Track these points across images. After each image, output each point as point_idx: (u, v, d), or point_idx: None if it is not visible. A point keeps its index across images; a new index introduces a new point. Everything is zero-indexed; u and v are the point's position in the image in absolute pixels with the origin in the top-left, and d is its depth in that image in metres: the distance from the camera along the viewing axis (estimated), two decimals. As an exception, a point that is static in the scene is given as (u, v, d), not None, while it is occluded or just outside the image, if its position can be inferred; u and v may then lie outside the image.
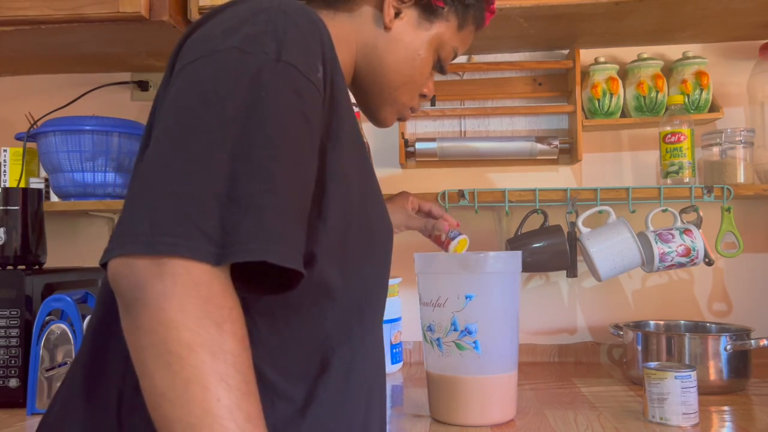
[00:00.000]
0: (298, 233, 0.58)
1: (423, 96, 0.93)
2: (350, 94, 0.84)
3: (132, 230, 0.53)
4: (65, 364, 1.19)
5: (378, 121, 0.92)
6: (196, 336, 0.50)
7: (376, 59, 0.83)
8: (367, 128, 1.64)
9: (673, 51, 1.60)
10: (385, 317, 1.48)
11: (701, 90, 1.52)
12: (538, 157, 1.58)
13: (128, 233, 0.53)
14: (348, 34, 0.82)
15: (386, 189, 1.65)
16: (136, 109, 1.73)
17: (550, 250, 1.44)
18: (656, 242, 1.40)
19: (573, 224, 1.46)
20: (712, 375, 1.26)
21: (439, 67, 0.90)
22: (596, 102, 1.54)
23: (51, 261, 1.41)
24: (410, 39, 0.84)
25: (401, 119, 0.94)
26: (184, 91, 0.59)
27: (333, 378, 0.67)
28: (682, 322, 1.48)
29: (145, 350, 0.51)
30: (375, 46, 0.83)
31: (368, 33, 0.83)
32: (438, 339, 1.09)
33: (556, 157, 1.59)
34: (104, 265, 0.55)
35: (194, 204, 0.53)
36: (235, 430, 0.49)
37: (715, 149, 1.50)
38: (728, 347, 1.25)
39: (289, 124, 0.58)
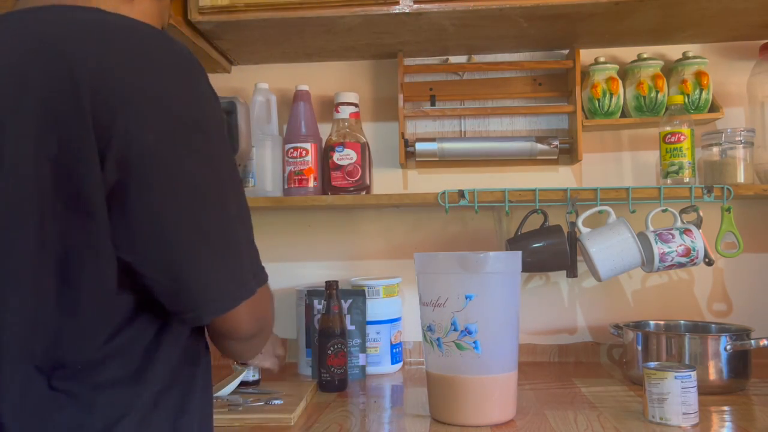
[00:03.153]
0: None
1: None
2: None
3: (243, 279, 0.72)
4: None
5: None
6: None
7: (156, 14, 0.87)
8: (367, 128, 1.64)
9: (673, 51, 1.60)
10: (386, 317, 1.49)
11: (701, 90, 1.52)
12: (538, 157, 1.58)
13: (242, 282, 0.71)
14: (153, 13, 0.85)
15: (386, 189, 1.66)
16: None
17: (550, 250, 1.44)
18: (656, 242, 1.40)
19: (573, 224, 1.46)
20: (712, 375, 1.26)
21: None
22: (596, 102, 1.54)
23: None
24: None
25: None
26: (192, 162, 0.68)
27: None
28: (682, 322, 1.48)
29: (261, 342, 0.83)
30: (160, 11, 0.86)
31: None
32: (438, 339, 1.09)
33: (556, 157, 1.59)
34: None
35: (253, 252, 0.74)
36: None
37: (715, 149, 1.50)
38: (728, 347, 1.25)
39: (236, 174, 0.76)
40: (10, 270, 0.64)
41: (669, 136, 1.46)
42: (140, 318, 0.70)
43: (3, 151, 0.63)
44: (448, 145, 1.58)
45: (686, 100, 1.52)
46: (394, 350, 1.51)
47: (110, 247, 0.65)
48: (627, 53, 1.60)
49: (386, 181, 1.67)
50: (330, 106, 1.62)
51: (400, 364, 1.54)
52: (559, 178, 1.64)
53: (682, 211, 1.45)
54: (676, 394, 1.04)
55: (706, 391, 1.20)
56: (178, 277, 0.68)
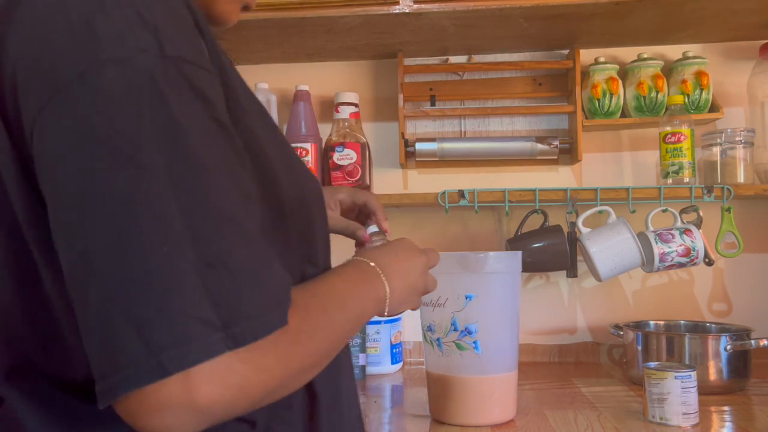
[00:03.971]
0: (281, 272, 0.51)
1: None
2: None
3: (123, 357, 0.43)
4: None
5: (217, 18, 0.69)
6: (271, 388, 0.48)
7: None
8: (367, 128, 1.64)
9: (673, 51, 1.60)
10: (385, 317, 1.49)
11: (701, 90, 1.52)
12: (538, 157, 1.58)
13: (121, 363, 0.43)
14: None
15: (386, 189, 1.66)
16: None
17: (550, 250, 1.44)
18: (656, 242, 1.40)
19: (573, 224, 1.46)
20: (712, 375, 1.26)
21: None
22: (596, 102, 1.54)
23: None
24: None
25: (247, 8, 0.72)
26: (73, 147, 0.45)
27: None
28: (682, 322, 1.48)
29: None
30: None
31: None
32: (438, 339, 1.09)
33: (556, 157, 1.59)
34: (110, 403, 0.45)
35: (174, 292, 0.43)
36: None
37: (715, 149, 1.50)
38: (728, 347, 1.25)
39: (210, 143, 0.48)
40: None
41: (669, 136, 1.46)
42: None
43: None
44: (448, 145, 1.58)
45: (686, 100, 1.52)
46: (394, 350, 1.51)
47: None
48: (627, 53, 1.60)
49: (386, 181, 1.67)
50: (330, 106, 1.62)
51: (400, 364, 1.54)
52: (559, 178, 1.64)
53: (682, 211, 1.45)
54: (676, 394, 1.04)
55: (706, 391, 1.20)
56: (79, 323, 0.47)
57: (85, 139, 0.45)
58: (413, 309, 0.79)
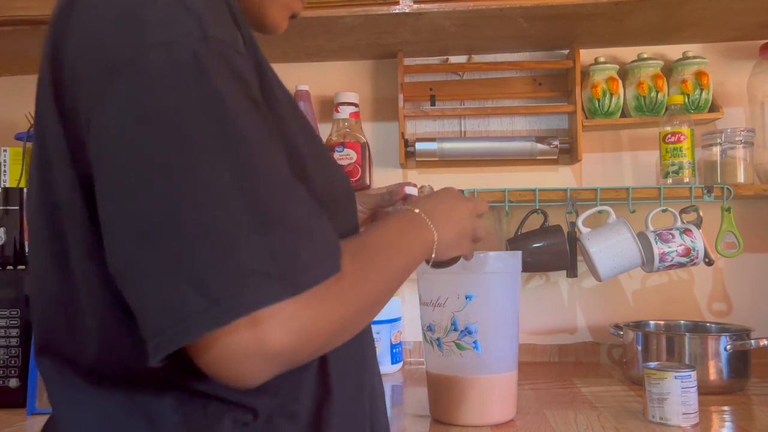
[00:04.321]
0: (330, 227, 0.54)
1: None
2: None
3: (182, 310, 0.45)
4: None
5: (268, 25, 0.74)
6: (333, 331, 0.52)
7: None
8: (367, 128, 1.64)
9: (673, 51, 1.60)
10: (385, 317, 1.49)
11: (701, 90, 1.52)
12: (538, 157, 1.58)
13: (181, 317, 0.45)
14: None
15: (386, 189, 1.66)
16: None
17: (550, 250, 1.44)
18: (656, 242, 1.40)
19: (573, 224, 1.46)
20: (712, 375, 1.26)
21: None
22: (596, 102, 1.54)
23: (51, 261, 1.41)
24: None
25: (294, 16, 0.77)
26: (128, 127, 0.49)
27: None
28: (682, 322, 1.48)
29: None
30: None
31: None
32: (438, 339, 1.09)
33: (556, 157, 1.59)
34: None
35: (232, 250, 0.46)
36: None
37: (715, 149, 1.50)
38: (728, 347, 1.25)
39: (250, 117, 0.51)
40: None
41: (669, 136, 1.46)
42: None
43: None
44: (448, 145, 1.58)
45: (686, 100, 1.52)
46: (394, 350, 1.51)
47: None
48: (627, 53, 1.60)
49: (386, 181, 1.67)
50: (330, 106, 1.62)
51: (400, 364, 1.54)
52: (559, 178, 1.64)
53: (682, 211, 1.45)
54: (676, 394, 1.04)
55: (706, 391, 1.20)
56: (127, 292, 0.50)
57: (139, 118, 0.48)
58: (465, 255, 0.81)
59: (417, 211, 0.71)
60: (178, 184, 0.47)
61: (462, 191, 0.77)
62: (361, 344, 0.70)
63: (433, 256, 0.71)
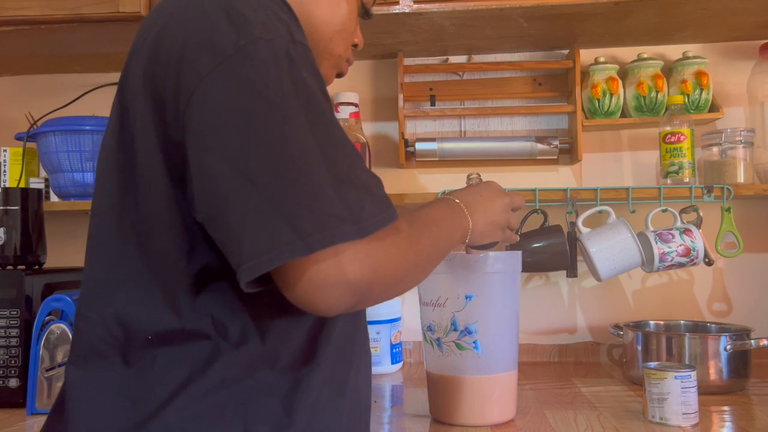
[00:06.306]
0: (384, 189, 0.66)
1: (354, 46, 0.91)
2: None
3: (276, 240, 0.56)
4: (65, 364, 1.19)
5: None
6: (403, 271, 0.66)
7: (304, 15, 0.79)
8: (367, 128, 1.64)
9: (673, 51, 1.60)
10: (385, 317, 1.49)
11: (701, 90, 1.52)
12: (538, 157, 1.58)
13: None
14: None
15: (386, 189, 1.64)
16: (136, 109, 1.72)
17: (550, 250, 1.44)
18: (656, 242, 1.40)
19: (573, 224, 1.46)
20: (712, 375, 1.26)
21: (364, 12, 0.89)
22: (596, 102, 1.54)
23: (51, 261, 1.41)
24: None
25: (340, 75, 0.91)
26: (237, 97, 0.60)
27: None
28: (682, 322, 1.48)
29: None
30: (299, 2, 0.79)
31: None
32: (438, 339, 1.09)
33: (556, 157, 1.59)
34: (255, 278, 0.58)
35: (317, 198, 0.58)
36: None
37: (715, 149, 1.50)
38: (728, 347, 1.25)
39: (325, 103, 0.64)
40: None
41: (669, 136, 1.46)
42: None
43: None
44: (448, 145, 1.58)
45: (686, 100, 1.52)
46: (394, 350, 1.51)
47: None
48: (627, 53, 1.60)
49: (386, 181, 1.64)
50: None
51: (400, 364, 1.54)
52: (559, 178, 1.64)
53: (682, 211, 1.45)
54: (676, 394, 1.04)
55: (706, 391, 1.20)
56: (221, 228, 0.60)
57: (247, 90, 0.60)
58: (502, 242, 0.94)
59: (457, 201, 0.83)
60: (276, 145, 0.58)
61: (499, 186, 0.92)
62: (352, 343, 0.77)
63: (467, 240, 0.83)
